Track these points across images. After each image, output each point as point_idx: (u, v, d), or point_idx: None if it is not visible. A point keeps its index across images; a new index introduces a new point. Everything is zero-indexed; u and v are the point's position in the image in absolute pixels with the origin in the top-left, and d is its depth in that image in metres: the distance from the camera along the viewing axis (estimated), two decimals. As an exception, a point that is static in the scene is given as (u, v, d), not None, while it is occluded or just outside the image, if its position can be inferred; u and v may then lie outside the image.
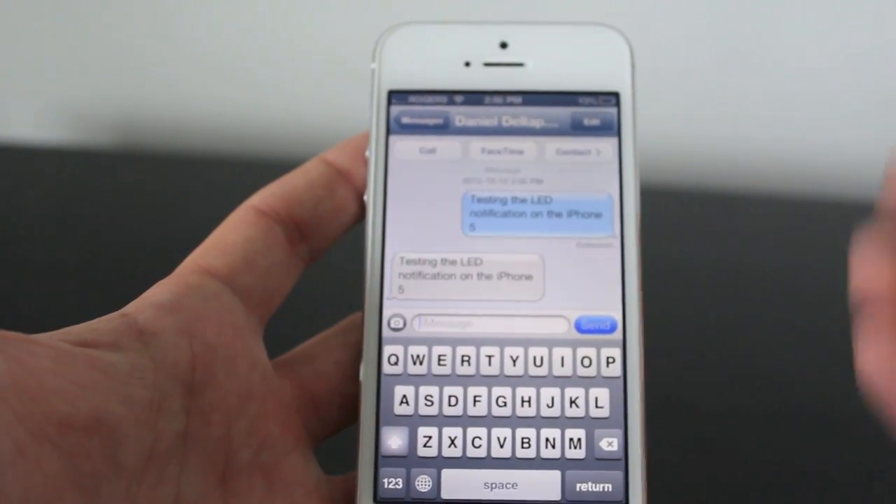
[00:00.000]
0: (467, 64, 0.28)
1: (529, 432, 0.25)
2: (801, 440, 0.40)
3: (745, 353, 0.45)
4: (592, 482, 0.25)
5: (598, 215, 0.27)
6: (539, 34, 0.28)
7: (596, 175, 0.27)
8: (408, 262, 0.27)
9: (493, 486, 0.25)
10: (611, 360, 0.26)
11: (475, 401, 0.25)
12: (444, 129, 0.28)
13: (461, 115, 0.28)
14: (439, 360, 0.26)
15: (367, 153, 0.27)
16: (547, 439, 0.25)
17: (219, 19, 0.58)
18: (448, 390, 0.26)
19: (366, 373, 0.26)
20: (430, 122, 0.28)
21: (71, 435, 0.20)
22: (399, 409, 0.25)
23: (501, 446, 0.25)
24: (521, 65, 0.28)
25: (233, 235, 0.26)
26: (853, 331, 0.20)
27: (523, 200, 0.27)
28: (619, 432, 0.25)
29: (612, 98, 0.28)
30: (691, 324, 0.46)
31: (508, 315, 0.26)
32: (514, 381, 0.26)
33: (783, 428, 0.41)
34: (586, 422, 0.25)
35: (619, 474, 0.25)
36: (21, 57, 0.62)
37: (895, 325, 0.19)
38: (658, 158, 0.56)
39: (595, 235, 0.27)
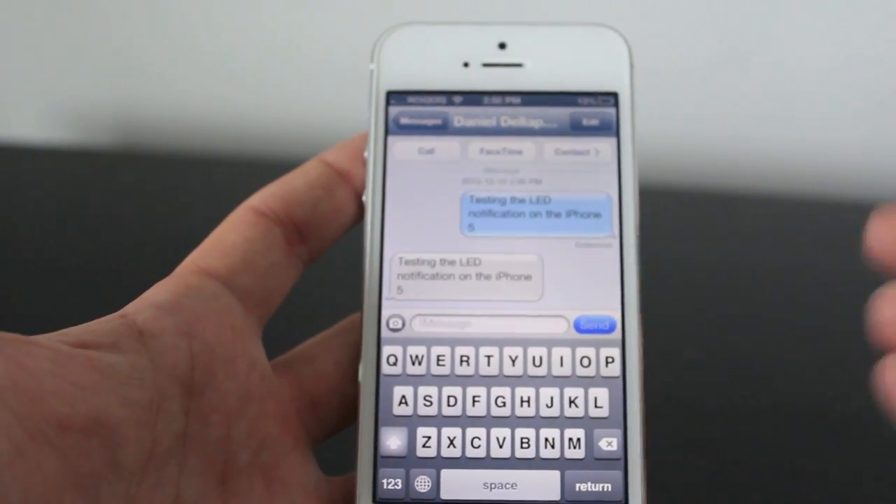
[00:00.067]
0: (466, 64, 0.28)
1: (529, 432, 0.25)
2: (801, 440, 0.40)
3: (745, 353, 0.45)
4: (592, 482, 0.25)
5: (596, 215, 0.27)
6: (538, 35, 0.28)
7: (595, 175, 0.27)
8: (407, 262, 0.27)
9: (493, 486, 0.25)
10: (610, 359, 0.26)
11: (474, 401, 0.25)
12: (443, 129, 0.28)
13: (460, 115, 0.28)
14: (438, 360, 0.26)
15: (365, 154, 0.27)
16: (546, 439, 0.25)
17: (218, 19, 0.58)
18: (447, 390, 0.26)
19: (365, 373, 0.26)
20: (429, 122, 0.28)
21: (70, 436, 0.20)
22: (398, 410, 0.25)
23: (501, 446, 0.25)
24: (519, 65, 0.28)
25: (232, 236, 0.26)
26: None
27: (522, 201, 0.27)
28: (619, 432, 0.25)
29: (611, 98, 0.28)
30: (691, 324, 0.46)
31: (507, 315, 0.26)
32: (513, 382, 0.26)
33: (783, 428, 0.41)
34: (585, 422, 0.25)
35: (619, 474, 0.25)
36: (21, 57, 0.62)
37: None
38: (657, 158, 0.56)
39: (594, 235, 0.27)
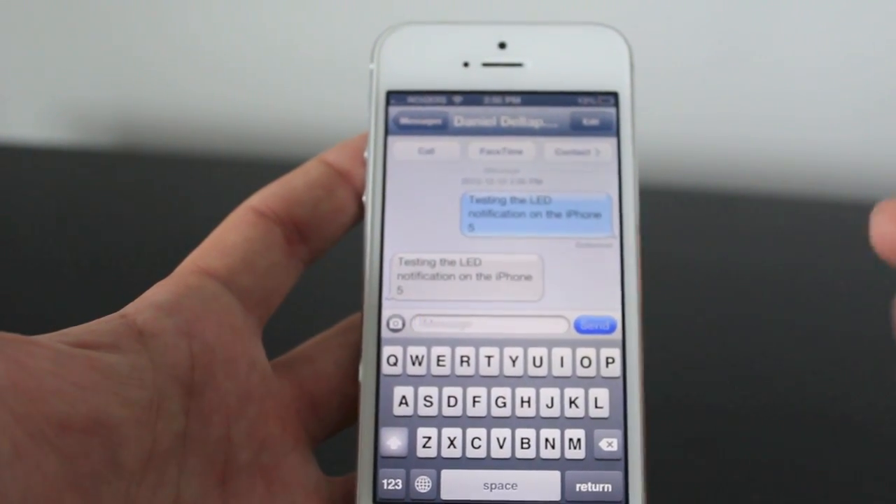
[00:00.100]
0: (466, 64, 0.28)
1: (529, 433, 0.25)
2: (800, 440, 0.40)
3: (745, 353, 0.45)
4: (592, 482, 0.25)
5: (597, 215, 0.27)
6: (538, 34, 0.28)
7: (595, 175, 0.27)
8: (407, 262, 0.27)
9: (493, 486, 0.25)
10: (610, 360, 0.26)
11: (474, 401, 0.25)
12: (443, 129, 0.28)
13: (460, 115, 0.28)
14: (438, 360, 0.26)
15: (365, 154, 0.27)
16: (546, 440, 0.25)
17: (219, 19, 0.58)
18: (447, 391, 0.26)
19: (365, 373, 0.26)
20: (429, 122, 0.28)
21: (70, 436, 0.20)
22: (398, 410, 0.25)
23: (501, 447, 0.25)
24: (519, 65, 0.28)
25: (232, 236, 0.26)
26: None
27: (522, 201, 0.27)
28: (619, 432, 0.25)
29: (611, 98, 0.28)
30: (691, 324, 0.46)
31: (508, 315, 0.26)
32: (513, 382, 0.26)
33: (783, 428, 0.41)
34: (586, 422, 0.25)
35: (619, 474, 0.25)
36: (21, 57, 0.62)
37: None
38: (658, 158, 0.56)
39: (594, 236, 0.27)
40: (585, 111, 0.28)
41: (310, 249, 0.27)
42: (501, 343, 0.26)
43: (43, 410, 0.19)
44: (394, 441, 0.25)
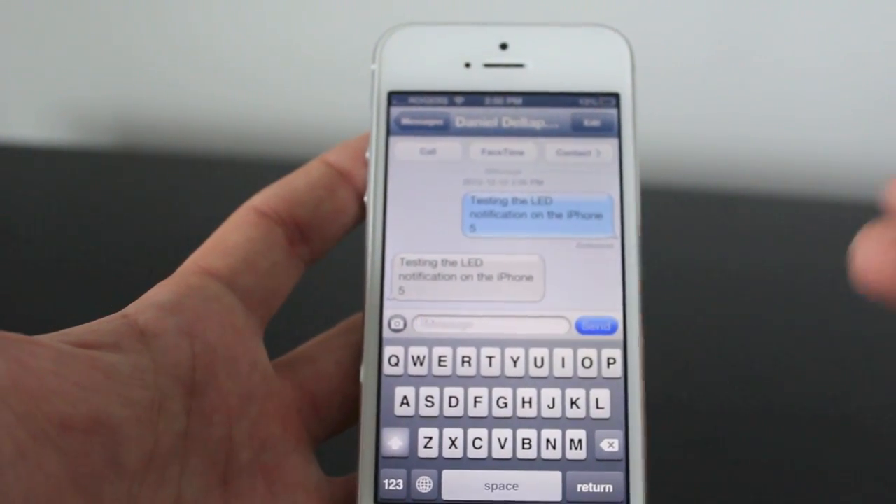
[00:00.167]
0: (467, 65, 0.28)
1: (530, 433, 0.25)
2: (801, 440, 0.40)
3: (745, 353, 0.45)
4: (593, 483, 0.25)
5: (598, 216, 0.27)
6: (539, 35, 0.28)
7: (596, 176, 0.27)
8: (408, 262, 0.27)
9: (494, 486, 0.25)
10: (611, 360, 0.26)
11: (476, 402, 0.25)
12: (445, 129, 0.28)
13: (461, 116, 0.28)
14: (440, 360, 0.26)
15: (367, 154, 0.27)
16: (548, 440, 0.25)
17: (219, 19, 0.58)
18: (448, 391, 0.26)
19: (366, 374, 0.26)
20: (431, 123, 0.28)
21: (72, 436, 0.20)
22: (399, 410, 0.25)
23: (502, 447, 0.25)
24: (521, 66, 0.28)
25: (234, 236, 0.26)
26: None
27: (524, 201, 0.27)
28: (620, 433, 0.25)
29: (613, 99, 0.28)
30: (691, 324, 0.46)
31: (509, 316, 0.26)
32: (514, 382, 0.26)
33: (783, 428, 0.41)
34: (587, 423, 0.25)
35: (620, 475, 0.25)
36: (21, 57, 0.62)
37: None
38: (658, 159, 0.56)
39: (595, 236, 0.27)
40: (587, 112, 0.28)
41: (311, 250, 0.27)
42: (503, 343, 0.26)
43: (45, 410, 0.19)
44: (395, 441, 0.25)
